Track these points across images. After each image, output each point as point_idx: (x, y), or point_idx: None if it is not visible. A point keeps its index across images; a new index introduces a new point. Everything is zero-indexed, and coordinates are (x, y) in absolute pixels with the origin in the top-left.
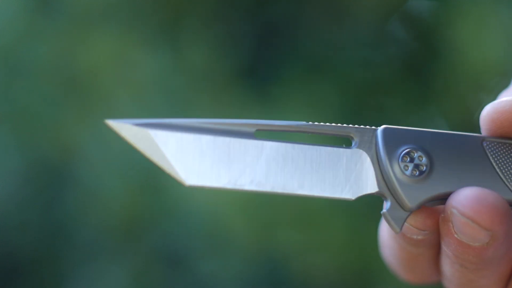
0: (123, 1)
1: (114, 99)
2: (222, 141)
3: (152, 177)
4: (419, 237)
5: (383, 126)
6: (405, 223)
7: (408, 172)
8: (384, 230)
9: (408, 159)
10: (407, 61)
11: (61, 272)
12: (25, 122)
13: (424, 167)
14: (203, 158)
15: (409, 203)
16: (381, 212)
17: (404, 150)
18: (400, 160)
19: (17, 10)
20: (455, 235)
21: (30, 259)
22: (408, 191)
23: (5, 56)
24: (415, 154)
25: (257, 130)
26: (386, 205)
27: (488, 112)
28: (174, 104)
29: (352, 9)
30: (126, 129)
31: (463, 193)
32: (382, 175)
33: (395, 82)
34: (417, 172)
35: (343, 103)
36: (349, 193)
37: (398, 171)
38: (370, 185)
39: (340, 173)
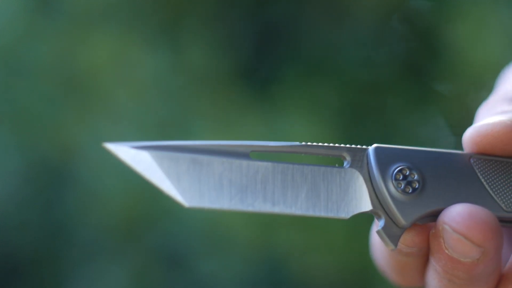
0: (123, 1)
1: (114, 99)
2: (219, 161)
3: None
4: (409, 250)
5: (374, 145)
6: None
7: (401, 189)
8: (376, 240)
9: (401, 176)
10: (407, 61)
11: (61, 272)
12: (25, 122)
13: (417, 184)
14: (201, 179)
15: (403, 220)
16: (376, 230)
17: (396, 168)
18: (393, 177)
19: (17, 10)
20: (446, 251)
21: (30, 259)
22: (402, 208)
23: (5, 56)
24: (407, 172)
25: (252, 151)
26: (380, 223)
27: (470, 135)
28: (174, 104)
29: (352, 9)
30: (124, 152)
31: (455, 210)
32: (375, 193)
33: (395, 82)
34: (410, 189)
35: (343, 103)
36: (343, 213)
37: (392, 188)
38: (364, 204)
39: (334, 192)
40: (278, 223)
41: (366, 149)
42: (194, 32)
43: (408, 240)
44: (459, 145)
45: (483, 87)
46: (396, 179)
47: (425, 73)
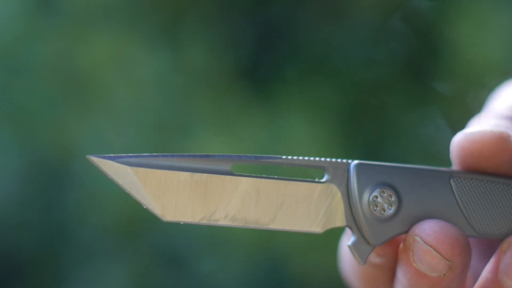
0: (123, 1)
1: (114, 99)
2: (200, 177)
3: None
4: (377, 260)
5: (356, 161)
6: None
7: (376, 211)
8: (345, 251)
9: (378, 198)
10: (407, 61)
11: (61, 272)
12: (25, 122)
13: (392, 207)
14: (180, 194)
15: (374, 240)
16: (347, 244)
17: (375, 189)
18: (370, 198)
19: (17, 10)
20: (414, 264)
21: (30, 259)
22: (374, 230)
23: (5, 56)
24: (385, 194)
25: (234, 165)
26: (352, 239)
27: (459, 141)
28: (174, 104)
29: (352, 9)
30: (107, 165)
31: (427, 223)
32: (351, 210)
33: (395, 81)
34: (385, 212)
35: (343, 102)
36: (318, 227)
37: (367, 210)
38: (338, 219)
39: (311, 207)
40: None
41: (347, 165)
42: (194, 32)
43: (379, 249)
44: None
45: (483, 87)
46: (373, 201)
47: (425, 72)
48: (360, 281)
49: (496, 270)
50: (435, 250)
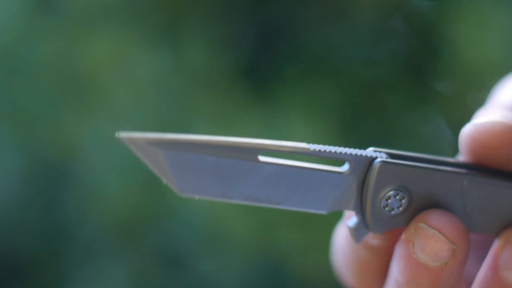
0: (123, 1)
1: (114, 99)
2: (226, 162)
3: (152, 177)
4: (374, 242)
5: (380, 160)
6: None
7: (385, 209)
8: (340, 235)
9: (390, 199)
10: (407, 61)
11: (61, 272)
12: (25, 122)
13: (400, 208)
14: (203, 175)
15: (375, 230)
16: (347, 223)
17: (390, 190)
18: (383, 197)
19: (17, 10)
20: (414, 256)
21: (30, 259)
22: (378, 222)
23: (5, 56)
24: (398, 196)
25: (262, 150)
26: (354, 221)
27: (469, 131)
28: (174, 104)
29: (352, 9)
30: (136, 143)
31: (431, 211)
32: (361, 200)
33: (395, 81)
34: (393, 211)
35: (343, 102)
36: (325, 209)
37: (377, 206)
38: (347, 204)
39: (325, 193)
40: (278, 223)
41: (371, 161)
42: (194, 32)
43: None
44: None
45: (483, 87)
46: (385, 200)
47: (425, 72)
48: (353, 270)
49: (495, 267)
50: (440, 233)
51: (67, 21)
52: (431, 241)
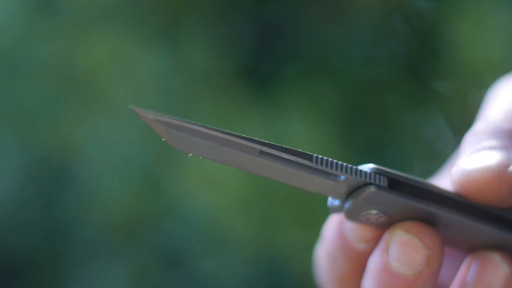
0: (123, 1)
1: (114, 99)
2: (227, 150)
3: (152, 177)
4: (361, 246)
5: (372, 189)
6: (356, 229)
7: (362, 218)
8: (321, 250)
9: (371, 216)
10: (407, 61)
11: (61, 272)
12: (25, 122)
13: (378, 222)
14: (204, 154)
15: (350, 220)
16: (329, 201)
17: (373, 210)
18: (364, 212)
19: (17, 10)
20: (388, 266)
21: (30, 259)
22: (353, 220)
23: (5, 56)
24: (379, 215)
25: (261, 151)
26: (335, 203)
27: (458, 179)
28: (174, 104)
29: (352, 9)
30: (146, 117)
31: (407, 221)
32: (344, 201)
33: (395, 81)
34: (370, 223)
35: (343, 102)
36: (314, 192)
37: (356, 214)
38: (333, 196)
39: (316, 189)
40: (278, 223)
41: (365, 184)
42: (194, 32)
43: (365, 235)
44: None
45: (483, 87)
46: (366, 214)
47: (425, 72)
48: (337, 283)
49: (463, 284)
50: (417, 237)
51: (67, 21)
52: (407, 248)
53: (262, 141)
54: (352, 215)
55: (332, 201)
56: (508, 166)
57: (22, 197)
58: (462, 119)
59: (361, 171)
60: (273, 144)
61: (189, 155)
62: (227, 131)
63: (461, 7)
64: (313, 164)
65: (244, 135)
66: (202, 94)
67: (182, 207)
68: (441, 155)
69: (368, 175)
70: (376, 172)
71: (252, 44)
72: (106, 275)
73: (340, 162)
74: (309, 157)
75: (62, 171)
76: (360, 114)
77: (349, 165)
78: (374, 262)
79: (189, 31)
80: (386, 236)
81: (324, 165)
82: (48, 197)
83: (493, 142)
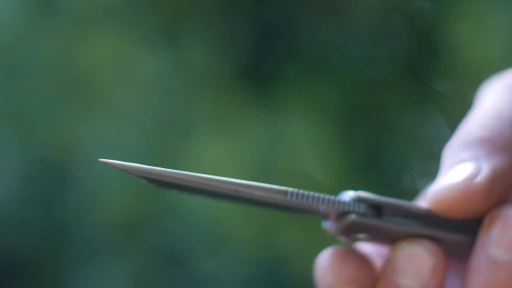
0: (123, 1)
1: (114, 99)
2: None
3: None
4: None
5: (351, 218)
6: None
7: (351, 237)
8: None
9: (358, 236)
10: (407, 61)
11: (61, 272)
12: (25, 122)
13: (367, 238)
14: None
15: (341, 239)
16: (323, 223)
17: (357, 234)
18: (350, 234)
19: (17, 10)
20: (395, 282)
21: (30, 259)
22: (344, 239)
23: (5, 56)
24: (365, 236)
25: (236, 190)
26: (327, 223)
27: (432, 198)
28: (174, 104)
29: (352, 9)
30: (117, 166)
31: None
32: (334, 222)
33: (395, 81)
34: (358, 240)
35: (343, 102)
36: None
37: (343, 234)
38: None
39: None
40: (278, 223)
41: (345, 213)
42: (194, 32)
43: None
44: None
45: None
46: (353, 236)
47: (425, 72)
48: None
49: (484, 247)
50: (423, 248)
51: (67, 21)
52: (412, 260)
53: (235, 182)
54: (343, 237)
55: (325, 223)
56: (474, 178)
57: (22, 197)
58: (462, 119)
59: (339, 201)
60: (246, 184)
61: (189, 155)
62: (202, 175)
63: (461, 7)
64: (288, 200)
65: (217, 178)
66: (202, 94)
67: (182, 207)
68: (441, 155)
69: (347, 204)
70: (356, 199)
71: (252, 44)
72: (106, 275)
73: (317, 194)
74: (283, 193)
75: (62, 171)
76: (360, 114)
77: (327, 196)
78: (381, 283)
79: (189, 31)
80: (389, 253)
81: (300, 199)
82: (48, 197)
83: (464, 154)
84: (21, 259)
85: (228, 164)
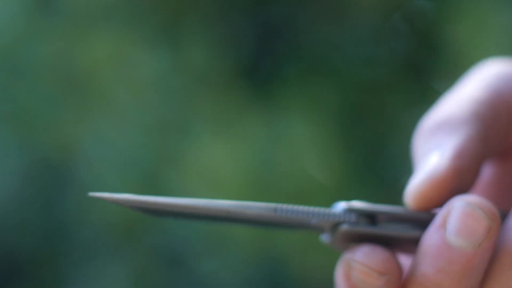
0: (123, 1)
1: (114, 99)
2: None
3: (152, 177)
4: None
5: (343, 228)
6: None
7: (345, 243)
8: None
9: (351, 246)
10: (407, 61)
11: (61, 272)
12: (25, 122)
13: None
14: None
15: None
16: (322, 237)
17: (351, 243)
18: (343, 243)
19: (17, 10)
20: (447, 241)
21: (30, 259)
22: (341, 249)
23: (5, 56)
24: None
25: (229, 212)
26: (325, 236)
27: (409, 193)
28: (174, 104)
29: (352, 9)
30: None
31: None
32: (329, 233)
33: (395, 81)
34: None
35: (343, 102)
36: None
37: (343, 247)
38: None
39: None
40: None
41: (336, 224)
42: (194, 32)
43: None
44: None
45: None
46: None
47: (425, 72)
48: None
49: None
50: (479, 208)
51: (67, 21)
52: (468, 219)
53: (225, 204)
54: (340, 248)
55: (322, 236)
56: (437, 169)
57: (22, 197)
58: None
59: (329, 212)
60: (236, 204)
61: (189, 155)
62: (193, 200)
63: (461, 7)
64: (279, 216)
65: (208, 201)
66: (202, 94)
67: None
68: None
69: (337, 215)
70: (347, 209)
71: (252, 44)
72: (106, 275)
73: (306, 208)
74: (273, 209)
75: (62, 171)
76: (360, 114)
77: (317, 209)
78: (429, 241)
79: (189, 31)
80: (443, 210)
81: (290, 214)
82: (48, 197)
83: (435, 139)
84: (21, 259)
85: (228, 164)
